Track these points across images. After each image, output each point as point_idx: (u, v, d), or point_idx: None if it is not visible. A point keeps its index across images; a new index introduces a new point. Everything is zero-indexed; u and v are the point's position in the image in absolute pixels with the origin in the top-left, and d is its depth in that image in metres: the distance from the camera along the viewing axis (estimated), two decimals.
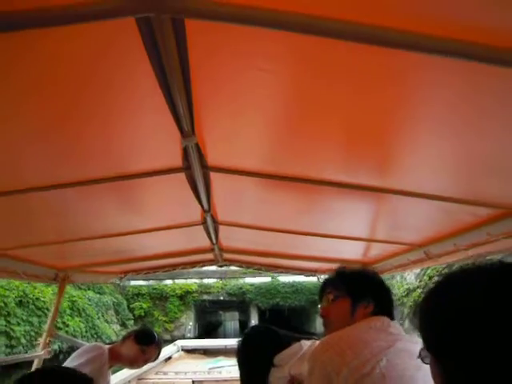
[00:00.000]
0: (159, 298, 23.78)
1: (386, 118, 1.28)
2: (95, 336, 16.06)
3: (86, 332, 15.58)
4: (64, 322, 14.48)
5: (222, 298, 25.57)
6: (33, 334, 12.87)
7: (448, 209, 1.90)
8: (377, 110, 1.23)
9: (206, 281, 24.71)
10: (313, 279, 4.61)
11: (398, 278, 16.73)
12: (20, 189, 1.73)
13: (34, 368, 3.44)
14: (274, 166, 1.90)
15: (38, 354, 3.65)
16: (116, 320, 20.44)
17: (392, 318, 1.80)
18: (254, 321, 24.53)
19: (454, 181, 1.73)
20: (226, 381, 2.33)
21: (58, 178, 1.73)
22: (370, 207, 2.27)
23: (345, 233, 2.94)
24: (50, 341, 3.78)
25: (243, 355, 2.50)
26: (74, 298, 15.63)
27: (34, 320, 13.31)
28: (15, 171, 1.63)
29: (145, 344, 2.99)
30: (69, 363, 2.67)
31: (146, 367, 5.78)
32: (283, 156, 1.85)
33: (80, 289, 17.27)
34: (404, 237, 2.77)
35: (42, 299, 14.11)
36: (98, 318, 17.04)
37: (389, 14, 0.85)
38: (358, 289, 1.83)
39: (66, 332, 13.86)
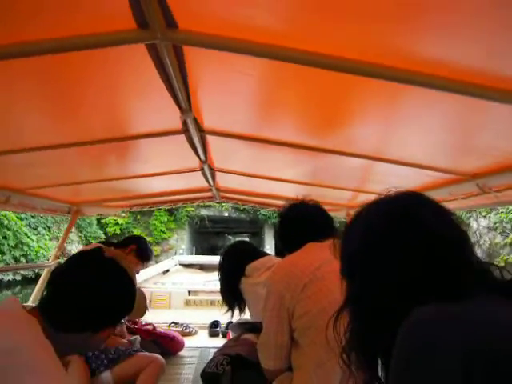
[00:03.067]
0: (141, 211, 14.51)
1: None
2: (23, 256, 12.76)
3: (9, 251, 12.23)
4: None
5: (226, 214, 19.33)
6: None
7: None
8: None
9: None
10: None
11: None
12: (43, 145, 2.06)
13: (42, 279, 3.95)
14: (256, 130, 2.22)
15: (49, 264, 4.20)
16: (77, 239, 16.49)
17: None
18: (269, 246, 17.89)
19: None
20: (219, 292, 2.70)
21: (78, 137, 2.07)
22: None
23: (329, 182, 3.16)
24: (59, 255, 4.31)
25: (221, 265, 2.70)
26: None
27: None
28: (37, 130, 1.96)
29: (146, 261, 3.08)
30: None
31: (144, 277, 6.18)
32: (263, 122, 2.17)
33: None
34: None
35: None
36: (29, 237, 13.21)
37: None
38: None
39: None
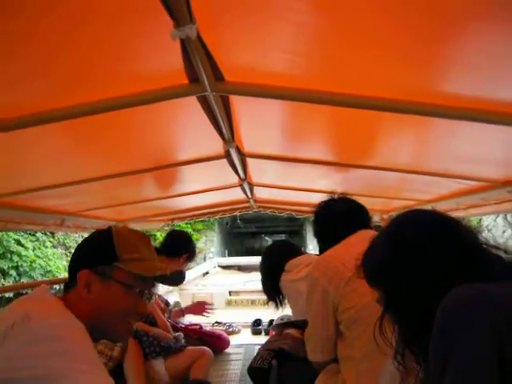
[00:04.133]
0: None
1: None
2: (13, 268, 9.79)
3: None
4: None
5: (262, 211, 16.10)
6: None
7: None
8: None
9: None
10: None
11: None
12: (97, 176, 2.29)
13: None
14: (288, 151, 2.39)
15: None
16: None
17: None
18: (312, 246, 15.35)
19: None
20: (260, 291, 2.73)
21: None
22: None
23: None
24: None
25: (262, 262, 2.73)
26: None
27: None
28: None
29: (191, 260, 3.17)
30: None
31: (185, 280, 6.28)
32: (293, 145, 2.36)
33: None
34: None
35: None
36: (20, 243, 10.26)
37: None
38: None
39: None
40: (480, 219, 11.81)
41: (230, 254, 18.04)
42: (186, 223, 16.41)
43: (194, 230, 15.96)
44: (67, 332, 1.00)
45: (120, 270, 1.20)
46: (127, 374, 2.11)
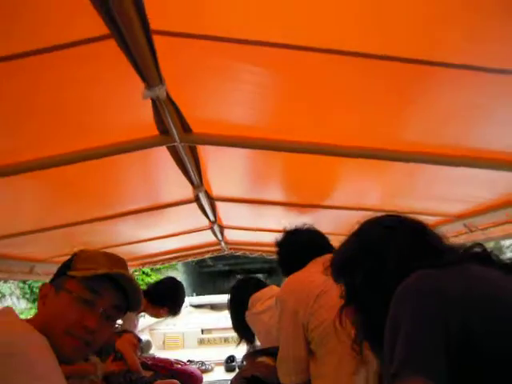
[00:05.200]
0: None
1: None
2: None
3: None
4: None
5: None
6: None
7: None
8: None
9: None
10: None
11: None
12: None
13: None
14: (254, 194, 2.47)
15: None
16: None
17: None
18: None
19: None
20: (232, 328, 2.64)
21: None
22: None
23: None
24: None
25: (229, 301, 2.63)
26: None
27: None
28: None
29: (176, 313, 3.03)
30: None
31: (156, 319, 5.87)
32: (258, 189, 2.47)
33: None
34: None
35: None
36: None
37: None
38: None
39: None
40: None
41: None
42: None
43: (152, 270, 12.83)
44: (22, 348, 0.93)
45: (70, 279, 1.15)
46: None
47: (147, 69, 1.04)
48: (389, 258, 0.93)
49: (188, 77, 1.23)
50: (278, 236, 2.15)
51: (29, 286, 9.90)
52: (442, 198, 2.09)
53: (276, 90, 1.30)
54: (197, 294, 12.79)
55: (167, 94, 1.17)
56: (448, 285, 0.77)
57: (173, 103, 1.27)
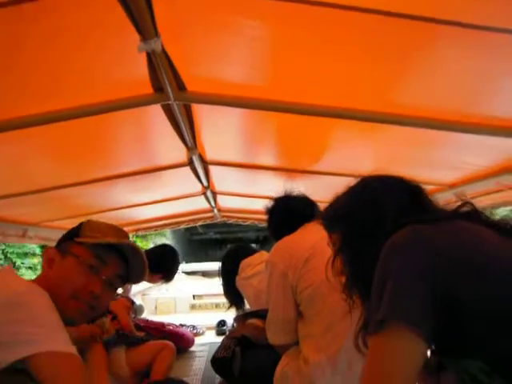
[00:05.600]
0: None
1: None
2: None
3: None
4: None
5: None
6: None
7: None
8: None
9: None
10: None
11: None
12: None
13: None
14: (248, 159, 2.45)
15: None
16: None
17: None
18: None
19: None
20: (223, 294, 2.66)
21: None
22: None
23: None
24: None
25: (221, 267, 2.77)
26: None
27: None
28: None
29: (170, 279, 3.06)
30: None
31: (148, 285, 5.55)
32: (252, 153, 2.44)
33: None
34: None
35: None
36: None
37: None
38: None
39: None
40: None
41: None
42: None
43: (137, 237, 10.58)
44: (28, 299, 0.99)
45: (77, 245, 1.21)
46: (89, 364, 2.02)
47: (143, 20, 1.01)
48: (384, 212, 0.95)
49: (184, 31, 1.18)
50: (269, 203, 2.17)
51: (2, 251, 9.50)
52: (437, 165, 2.08)
53: (274, 48, 1.26)
54: (186, 262, 11.82)
55: (163, 49, 1.14)
56: (436, 239, 0.80)
57: (168, 59, 1.24)
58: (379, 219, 0.95)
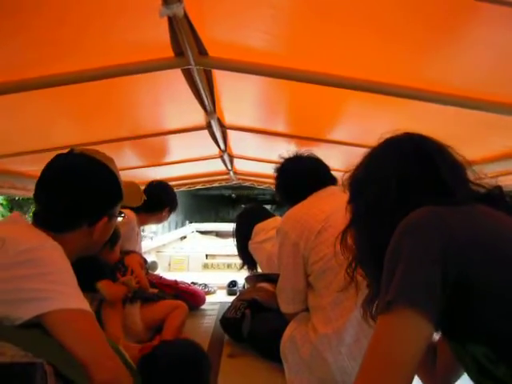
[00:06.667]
0: None
1: None
2: None
3: None
4: None
5: None
6: None
7: None
8: None
9: None
10: None
11: None
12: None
13: None
14: (265, 125, 2.42)
15: None
16: None
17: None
18: None
19: None
20: (236, 255, 2.70)
21: None
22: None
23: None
24: None
25: (235, 228, 2.80)
26: None
27: None
28: None
29: (175, 208, 3.13)
30: None
31: (162, 242, 5.96)
32: (270, 119, 2.41)
33: None
34: None
35: None
36: None
37: None
38: None
39: None
40: None
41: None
42: None
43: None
44: (42, 255, 0.98)
45: (117, 206, 1.28)
46: (104, 318, 2.10)
47: None
48: (392, 189, 0.89)
49: None
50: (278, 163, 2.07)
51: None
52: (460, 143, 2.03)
53: (299, 16, 1.22)
54: (190, 222, 10.69)
55: (184, 13, 1.11)
56: (452, 222, 0.77)
57: (189, 23, 1.21)
58: (386, 196, 0.90)
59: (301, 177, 1.92)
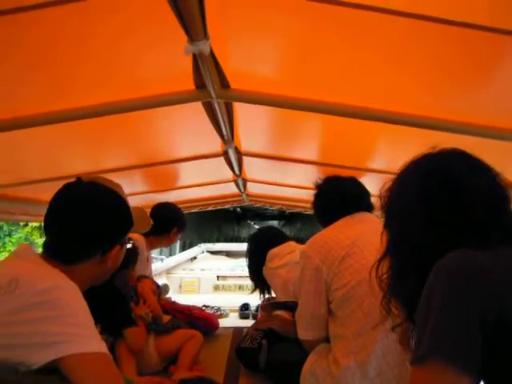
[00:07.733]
0: None
1: None
2: None
3: None
4: None
5: None
6: None
7: None
8: None
9: None
10: None
11: None
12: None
13: None
14: (280, 152, 2.42)
15: None
16: None
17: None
18: None
19: None
20: (247, 276, 2.66)
21: None
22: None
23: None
24: None
25: (248, 251, 2.70)
26: None
27: None
28: None
29: (182, 231, 3.01)
30: None
31: (173, 263, 5.87)
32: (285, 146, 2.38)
33: None
34: None
35: None
36: None
37: None
38: None
39: None
40: None
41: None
42: None
43: None
44: (59, 295, 0.95)
45: (128, 232, 1.25)
46: (119, 354, 2.06)
47: (192, 22, 0.97)
48: (415, 226, 0.84)
49: (232, 32, 1.15)
50: (318, 179, 2.00)
51: None
52: None
53: (319, 48, 1.22)
54: (190, 243, 10.23)
55: (210, 49, 1.10)
56: (487, 270, 0.71)
57: (214, 58, 1.21)
58: (411, 233, 0.85)
59: (341, 196, 1.85)
